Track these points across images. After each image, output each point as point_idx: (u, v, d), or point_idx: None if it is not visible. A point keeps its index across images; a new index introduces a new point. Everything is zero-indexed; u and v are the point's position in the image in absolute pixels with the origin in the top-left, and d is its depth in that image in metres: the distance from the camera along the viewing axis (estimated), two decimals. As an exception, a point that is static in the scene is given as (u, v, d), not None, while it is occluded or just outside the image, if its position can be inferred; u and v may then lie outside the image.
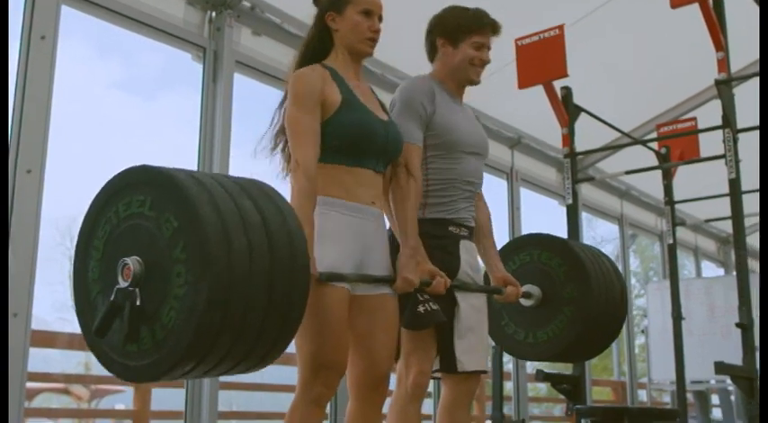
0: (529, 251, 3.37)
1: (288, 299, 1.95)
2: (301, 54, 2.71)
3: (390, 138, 2.65)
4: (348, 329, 2.51)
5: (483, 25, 2.98)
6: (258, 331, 1.90)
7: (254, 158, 2.74)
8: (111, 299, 1.91)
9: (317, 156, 2.49)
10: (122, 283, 1.90)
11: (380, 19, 2.68)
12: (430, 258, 2.73)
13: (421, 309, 2.77)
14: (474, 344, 2.90)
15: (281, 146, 2.68)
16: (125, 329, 1.89)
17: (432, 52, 3.05)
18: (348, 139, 2.54)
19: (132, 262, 1.88)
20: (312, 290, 2.29)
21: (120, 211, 1.97)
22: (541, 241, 3.39)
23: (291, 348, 2.20)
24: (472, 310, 2.91)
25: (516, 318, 3.35)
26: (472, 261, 2.99)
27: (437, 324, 2.76)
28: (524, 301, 3.27)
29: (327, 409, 4.30)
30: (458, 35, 2.96)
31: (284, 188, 2.35)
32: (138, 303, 1.87)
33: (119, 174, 2.01)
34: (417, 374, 2.77)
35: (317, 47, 2.69)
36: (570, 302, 3.20)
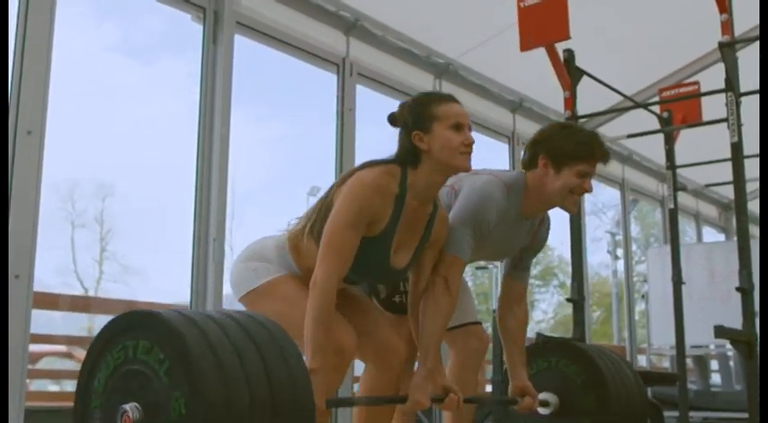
0: (547, 357, 3.35)
1: (293, 402, 1.91)
2: (384, 161, 2.59)
3: (393, 280, 2.71)
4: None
5: (592, 154, 2.84)
6: None
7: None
8: None
9: (342, 275, 2.43)
10: None
11: (470, 128, 2.57)
12: None
13: (397, 299, 2.86)
14: (457, 308, 2.89)
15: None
16: None
17: (530, 164, 2.89)
18: (357, 269, 2.50)
19: (131, 409, 1.87)
20: (272, 287, 2.44)
21: (112, 360, 1.96)
22: (560, 347, 3.38)
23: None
24: None
25: None
26: None
27: None
28: (542, 410, 3.25)
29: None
30: (564, 160, 2.81)
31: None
32: None
33: (104, 327, 2.00)
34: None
35: (406, 159, 2.57)
36: (588, 413, 3.19)
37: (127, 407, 1.87)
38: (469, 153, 2.53)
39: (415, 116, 2.54)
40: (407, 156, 2.55)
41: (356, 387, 4.06)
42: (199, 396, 1.77)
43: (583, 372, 3.24)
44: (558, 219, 5.27)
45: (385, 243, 2.50)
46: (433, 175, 2.54)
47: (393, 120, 2.62)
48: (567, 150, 2.79)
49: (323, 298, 2.35)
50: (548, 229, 3.09)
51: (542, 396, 3.20)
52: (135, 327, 1.92)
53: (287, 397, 1.89)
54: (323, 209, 2.54)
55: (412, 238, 2.59)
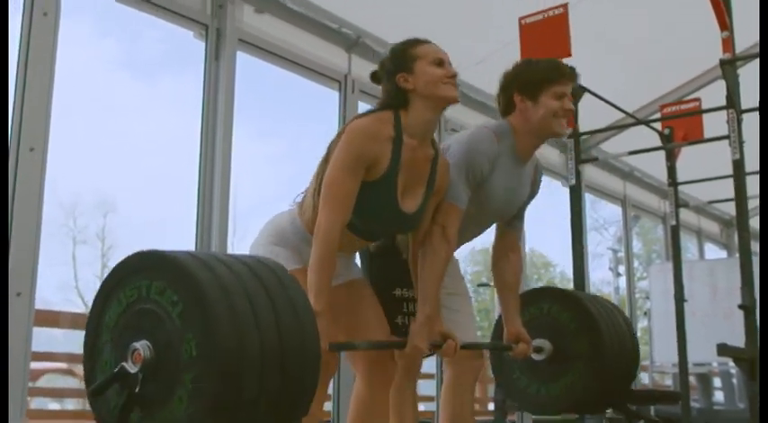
0: (538, 305, 3.37)
1: (300, 367, 1.93)
2: (377, 107, 2.66)
3: (404, 228, 2.67)
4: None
5: (561, 74, 2.89)
6: (274, 399, 1.89)
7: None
8: (116, 372, 1.92)
9: (344, 222, 2.46)
10: (131, 368, 1.90)
11: (451, 65, 2.65)
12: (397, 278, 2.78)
13: (399, 320, 2.85)
14: (459, 320, 2.91)
15: None
16: (116, 417, 1.91)
17: (508, 108, 2.94)
18: (357, 217, 2.52)
19: (142, 347, 1.89)
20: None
21: (119, 303, 1.98)
22: (552, 295, 3.41)
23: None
24: (449, 297, 2.93)
25: (528, 372, 3.37)
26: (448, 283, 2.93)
27: None
28: (536, 356, 3.28)
29: (330, 390, 4.31)
30: (537, 89, 2.86)
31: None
32: (137, 390, 1.88)
33: (120, 263, 2.02)
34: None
35: (393, 104, 2.63)
36: (582, 357, 3.20)
37: (138, 345, 1.89)
38: (453, 84, 2.61)
39: (397, 61, 2.64)
40: (395, 99, 2.62)
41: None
42: (211, 340, 1.79)
43: (575, 318, 3.26)
44: (561, 235, 5.27)
45: (389, 185, 2.53)
46: (425, 112, 2.60)
47: (376, 76, 2.72)
48: (537, 78, 2.86)
49: (326, 243, 2.40)
50: (541, 173, 3.13)
51: (536, 342, 3.22)
52: (149, 267, 1.94)
53: (295, 343, 1.91)
54: (323, 172, 2.58)
55: (418, 183, 2.62)
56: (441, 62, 2.61)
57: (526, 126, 2.88)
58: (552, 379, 3.28)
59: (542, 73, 2.88)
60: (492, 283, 8.01)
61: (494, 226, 3.11)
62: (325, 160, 2.59)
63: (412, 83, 2.59)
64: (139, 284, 1.94)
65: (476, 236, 3.04)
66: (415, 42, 2.67)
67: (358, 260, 2.97)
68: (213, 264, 1.91)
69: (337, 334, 2.55)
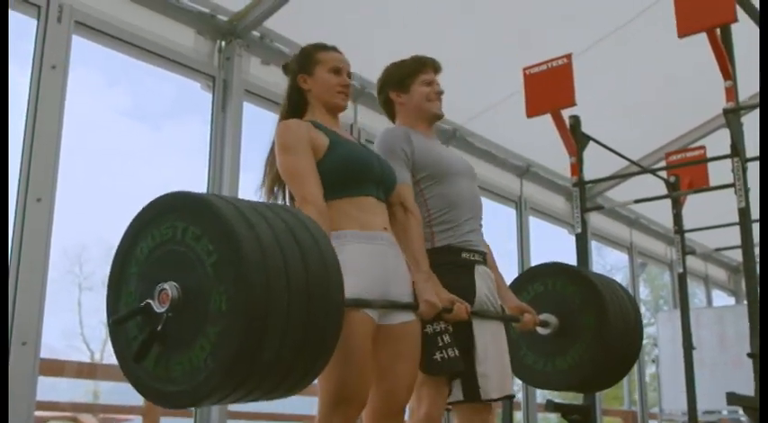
0: (542, 280, 3.37)
1: (322, 332, 1.95)
2: (281, 114, 2.82)
3: (384, 167, 2.74)
4: (371, 361, 2.49)
5: (424, 64, 3.13)
6: (290, 363, 1.91)
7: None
8: (142, 307, 1.94)
9: (321, 191, 2.53)
10: (159, 308, 1.90)
11: (350, 76, 2.83)
12: (446, 287, 2.73)
13: (437, 356, 2.76)
14: (496, 371, 2.88)
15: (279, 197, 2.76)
16: (135, 348, 1.92)
17: (389, 108, 3.18)
18: (346, 171, 2.60)
19: (170, 287, 1.89)
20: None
21: (153, 238, 1.98)
22: (555, 270, 3.39)
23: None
24: (491, 336, 2.90)
25: (534, 347, 3.35)
26: (490, 286, 2.99)
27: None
28: (542, 330, 3.28)
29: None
30: (405, 82, 3.11)
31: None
32: (159, 328, 1.89)
33: (148, 204, 2.03)
34: (430, 406, 2.77)
35: (294, 107, 2.81)
36: (588, 330, 3.19)
37: (167, 285, 1.89)
38: (345, 94, 2.79)
39: (301, 61, 2.83)
40: (294, 98, 2.81)
41: None
42: (242, 299, 1.79)
43: (580, 291, 3.25)
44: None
45: (342, 141, 2.66)
46: (322, 115, 2.77)
47: (285, 67, 2.90)
48: (403, 73, 3.12)
49: (316, 208, 2.45)
50: None
51: (542, 317, 3.22)
52: (188, 211, 1.94)
53: (321, 310, 1.93)
54: (271, 182, 2.72)
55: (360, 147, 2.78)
56: (338, 71, 2.78)
57: (410, 115, 3.10)
58: (559, 353, 3.27)
59: (407, 67, 3.13)
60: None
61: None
62: (268, 173, 2.73)
63: (309, 84, 2.78)
64: (175, 225, 1.94)
65: (478, 208, 3.09)
66: (321, 48, 2.85)
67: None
68: (254, 219, 1.90)
69: (371, 378, 2.51)
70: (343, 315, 2.04)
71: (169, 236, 1.95)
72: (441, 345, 2.77)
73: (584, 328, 3.20)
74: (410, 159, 2.94)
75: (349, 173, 2.60)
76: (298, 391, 2.03)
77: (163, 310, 1.89)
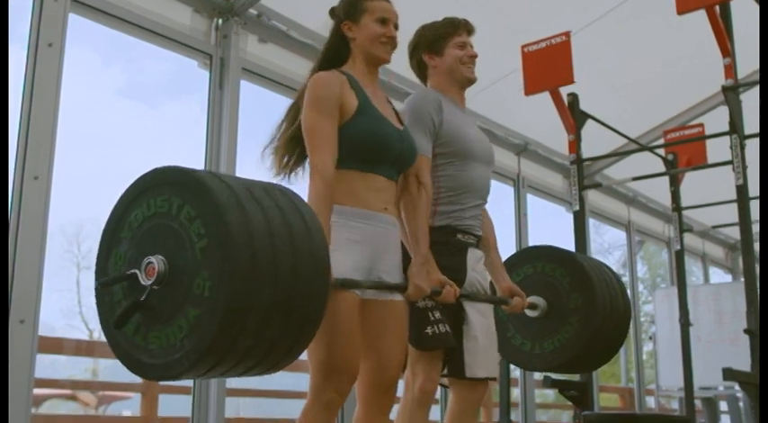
0: (532, 263, 3.38)
1: (307, 307, 1.96)
2: (319, 62, 2.75)
3: (405, 147, 2.68)
4: (359, 334, 2.50)
5: (458, 26, 3.10)
6: (276, 337, 1.92)
7: (261, 162, 2.75)
8: (127, 274, 1.96)
9: (334, 160, 2.51)
10: (144, 281, 1.92)
11: (396, 27, 2.74)
12: (437, 265, 2.74)
13: (429, 330, 2.78)
14: (482, 350, 2.90)
15: (294, 153, 2.69)
16: (117, 314, 1.95)
17: (422, 71, 3.15)
18: (363, 146, 2.57)
19: (157, 261, 1.90)
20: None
21: (148, 207, 1.99)
22: (544, 253, 3.40)
23: (301, 355, 2.19)
24: (479, 315, 2.92)
25: (522, 329, 3.36)
26: (479, 269, 3.00)
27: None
28: (530, 312, 3.29)
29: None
30: (439, 43, 3.08)
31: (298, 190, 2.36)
32: (142, 299, 1.91)
33: (151, 172, 2.03)
34: (425, 380, 2.79)
35: (334, 55, 2.74)
36: (576, 312, 3.21)
37: (154, 259, 1.91)
38: (390, 45, 2.72)
39: (348, 8, 2.73)
40: (336, 45, 2.73)
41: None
42: (224, 289, 1.80)
43: (568, 273, 3.26)
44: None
45: (370, 109, 2.61)
46: (362, 65, 2.71)
47: (331, 11, 2.78)
48: (437, 34, 3.09)
49: (324, 178, 2.45)
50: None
51: (531, 299, 3.23)
52: (186, 189, 1.93)
53: (304, 300, 1.94)
54: (288, 128, 2.69)
55: (391, 114, 2.73)
56: (385, 21, 2.70)
57: (443, 79, 3.08)
58: (546, 335, 3.28)
59: (441, 28, 3.09)
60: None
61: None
62: (289, 119, 2.70)
63: (354, 33, 2.70)
64: (172, 200, 1.95)
65: (486, 193, 3.08)
66: None
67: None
68: (249, 207, 1.90)
69: (360, 349, 2.52)
70: (329, 286, 2.05)
71: (165, 210, 1.95)
72: (432, 319, 2.79)
73: (572, 311, 3.22)
74: (436, 130, 2.92)
75: (365, 150, 2.58)
76: (286, 364, 2.05)
77: (148, 282, 1.91)
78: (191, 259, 1.87)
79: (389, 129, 2.64)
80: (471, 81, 3.12)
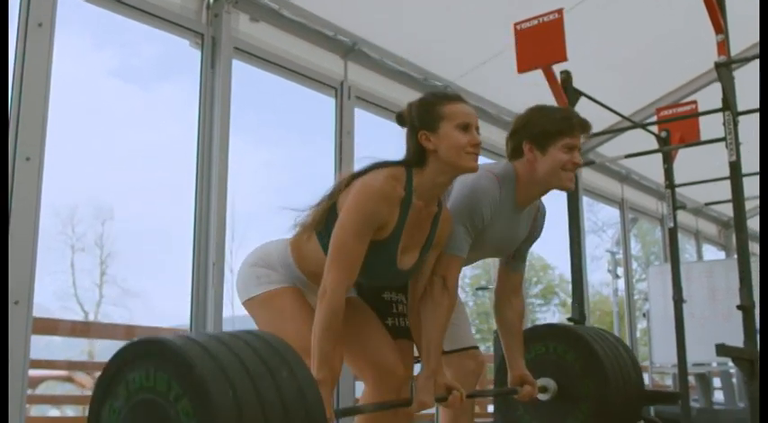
0: (544, 342, 3.34)
1: None
2: (393, 163, 2.56)
3: (397, 281, 2.66)
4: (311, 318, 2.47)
5: (572, 127, 2.80)
6: None
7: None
8: None
9: (350, 284, 2.43)
10: None
11: (477, 130, 2.55)
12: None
13: (389, 322, 2.82)
14: (453, 332, 2.90)
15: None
16: None
17: (516, 153, 2.87)
18: (363, 272, 2.47)
19: None
20: (270, 298, 2.50)
21: (130, 384, 1.87)
22: (556, 333, 3.37)
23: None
24: None
25: (532, 411, 3.33)
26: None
27: None
28: (540, 396, 3.24)
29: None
30: (547, 140, 2.78)
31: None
32: None
33: (127, 345, 1.91)
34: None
35: (415, 162, 2.54)
36: (587, 398, 3.18)
37: None
38: (477, 153, 2.52)
39: (422, 116, 2.52)
40: (414, 156, 2.52)
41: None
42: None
43: (580, 357, 3.23)
44: (559, 238, 5.28)
45: (392, 246, 2.48)
46: (440, 176, 2.51)
47: (401, 118, 2.59)
48: (549, 129, 2.78)
49: (332, 307, 2.33)
50: (544, 216, 3.06)
51: (540, 382, 3.21)
52: (150, 355, 1.84)
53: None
54: (327, 210, 2.52)
55: (418, 239, 2.56)
56: (467, 127, 2.50)
57: (532, 176, 2.81)
58: (557, 419, 3.25)
59: (554, 124, 2.79)
60: (491, 287, 8.03)
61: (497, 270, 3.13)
62: (330, 203, 2.53)
63: (434, 144, 2.49)
64: (157, 376, 1.83)
65: (468, 265, 3.03)
66: (446, 99, 2.56)
67: None
68: (224, 361, 1.79)
69: (340, 352, 2.50)
70: None
71: (150, 385, 1.84)
72: (395, 312, 2.82)
73: (583, 397, 3.19)
74: (479, 229, 2.73)
75: (363, 276, 2.49)
76: None
77: None
78: None
79: (390, 273, 2.54)
80: (566, 189, 2.85)
